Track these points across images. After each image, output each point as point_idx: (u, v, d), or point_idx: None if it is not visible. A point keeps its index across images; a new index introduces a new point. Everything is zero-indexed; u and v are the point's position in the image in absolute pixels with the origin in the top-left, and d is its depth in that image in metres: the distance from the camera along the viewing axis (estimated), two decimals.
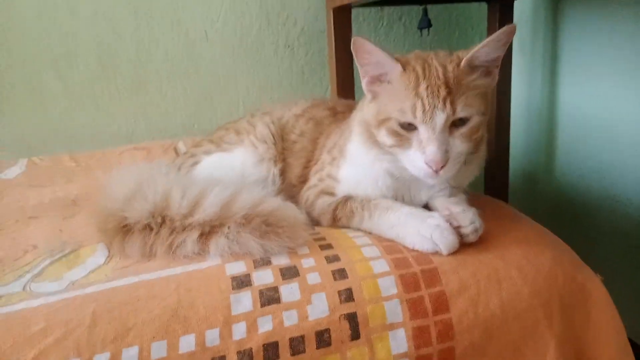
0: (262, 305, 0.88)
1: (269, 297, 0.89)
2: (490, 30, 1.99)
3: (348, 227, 1.11)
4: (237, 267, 0.94)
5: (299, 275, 0.93)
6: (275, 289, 0.90)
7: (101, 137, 1.99)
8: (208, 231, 0.98)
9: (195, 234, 0.98)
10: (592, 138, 1.88)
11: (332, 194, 1.16)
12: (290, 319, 0.87)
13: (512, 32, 0.99)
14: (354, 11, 2.16)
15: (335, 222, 1.12)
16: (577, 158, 1.98)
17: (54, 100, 1.94)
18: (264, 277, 0.92)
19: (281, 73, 2.15)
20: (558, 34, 2.01)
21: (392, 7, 2.23)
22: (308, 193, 1.20)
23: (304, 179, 1.26)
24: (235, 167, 1.24)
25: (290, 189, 1.27)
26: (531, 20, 2.15)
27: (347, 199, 1.11)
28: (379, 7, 2.21)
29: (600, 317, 0.99)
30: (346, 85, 1.90)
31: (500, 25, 1.99)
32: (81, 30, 1.93)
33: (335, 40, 1.90)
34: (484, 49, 0.99)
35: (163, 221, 1.01)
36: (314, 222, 1.16)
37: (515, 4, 2.04)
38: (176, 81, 2.05)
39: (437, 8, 2.27)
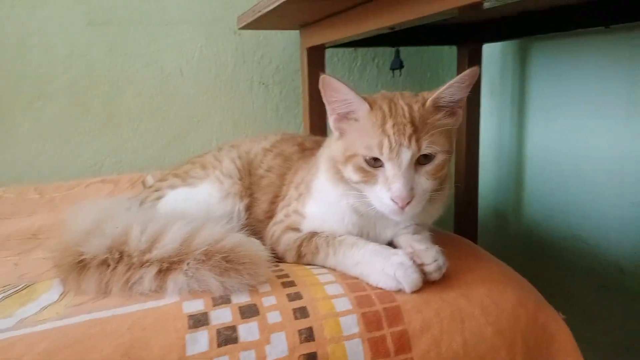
0: (219, 345, 0.84)
1: (227, 337, 0.85)
2: (460, 72, 2.01)
3: (313, 264, 1.08)
4: (195, 305, 0.90)
5: (259, 314, 0.89)
6: (233, 328, 0.86)
7: (69, 171, 1.95)
8: (166, 268, 0.94)
9: (152, 271, 0.94)
10: (559, 177, 1.89)
11: (297, 229, 1.14)
12: (247, 359, 0.83)
13: (475, 75, 0.99)
14: (328, 51, 2.17)
15: (300, 259, 1.09)
16: (545, 197, 1.98)
17: (25, 135, 1.90)
18: (222, 316, 0.88)
19: (255, 110, 2.14)
20: (526, 76, 2.04)
21: (366, 48, 2.25)
22: (274, 228, 1.17)
23: (270, 214, 1.23)
24: (200, 202, 1.21)
25: (257, 225, 1.24)
26: (500, 63, 2.18)
27: (313, 235, 1.09)
28: (353, 48, 2.23)
29: (562, 357, 0.97)
30: (319, 122, 1.90)
31: (470, 67, 2.04)
32: (56, 70, 1.91)
33: (309, 79, 1.91)
34: (448, 90, 0.99)
35: (121, 257, 0.97)
36: (280, 258, 1.13)
37: (484, 47, 2.07)
38: (149, 118, 2.03)
39: (409, 50, 2.30)
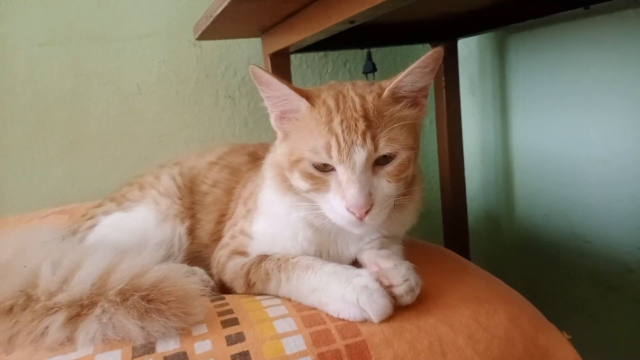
0: None
1: None
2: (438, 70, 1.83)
3: (265, 294, 0.87)
4: (110, 359, 0.69)
5: None
6: None
7: (34, 199, 1.75)
8: (76, 314, 0.74)
9: (60, 318, 0.73)
10: (552, 174, 1.71)
11: (244, 253, 0.93)
12: None
13: (439, 57, 0.81)
14: (297, 58, 1.99)
15: (250, 289, 0.89)
16: (539, 196, 1.80)
17: None
18: None
19: (223, 124, 1.94)
20: (506, 71, 1.87)
21: (336, 52, 2.06)
22: (220, 254, 0.97)
23: (218, 237, 1.03)
24: (134, 229, 1.00)
25: (203, 250, 1.04)
26: (478, 60, 2.00)
27: (262, 259, 0.88)
28: (323, 54, 2.04)
29: None
30: None
31: (446, 65, 1.85)
32: (18, 91, 1.71)
33: None
34: (408, 77, 0.81)
35: (27, 302, 0.76)
36: (228, 288, 0.92)
37: (461, 43, 1.89)
38: (112, 140, 1.83)
39: (382, 52, 2.11)
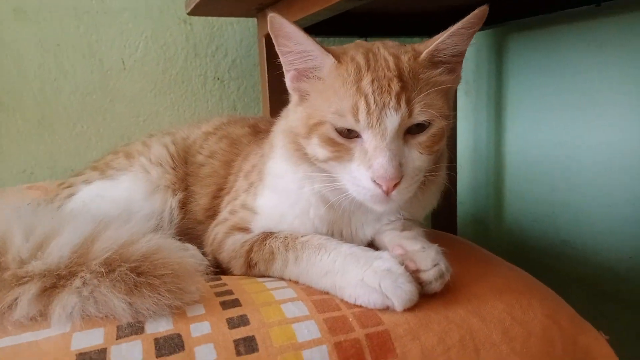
0: None
1: None
2: None
3: (268, 276, 0.77)
4: (90, 338, 0.58)
5: (183, 349, 0.57)
6: None
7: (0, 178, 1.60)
8: (52, 285, 0.62)
9: (32, 289, 0.61)
10: (543, 178, 1.66)
11: (246, 229, 0.83)
12: None
13: (484, 16, 0.72)
14: None
15: (250, 269, 0.78)
16: (528, 201, 1.75)
17: None
18: (127, 354, 0.57)
19: (210, 107, 1.82)
20: (502, 71, 1.81)
21: (333, 38, 1.97)
22: (216, 230, 0.86)
23: (213, 213, 0.92)
24: (120, 199, 0.88)
25: (196, 227, 0.93)
26: (474, 58, 1.93)
27: (267, 236, 0.78)
28: (320, 40, 1.94)
29: None
30: None
31: None
32: None
33: (268, 72, 1.61)
34: (451, 38, 0.72)
35: None
36: (224, 269, 0.81)
37: None
38: (87, 117, 1.69)
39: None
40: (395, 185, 0.67)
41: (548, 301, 0.72)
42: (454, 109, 1.78)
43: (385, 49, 0.73)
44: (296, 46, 0.72)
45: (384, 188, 0.67)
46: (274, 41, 0.73)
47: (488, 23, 1.66)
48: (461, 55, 0.75)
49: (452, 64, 0.74)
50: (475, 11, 0.70)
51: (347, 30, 1.75)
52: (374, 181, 0.67)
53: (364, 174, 0.68)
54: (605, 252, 1.46)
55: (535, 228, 1.72)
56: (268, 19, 0.70)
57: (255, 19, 1.69)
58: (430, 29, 1.74)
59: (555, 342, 0.66)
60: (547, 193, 1.64)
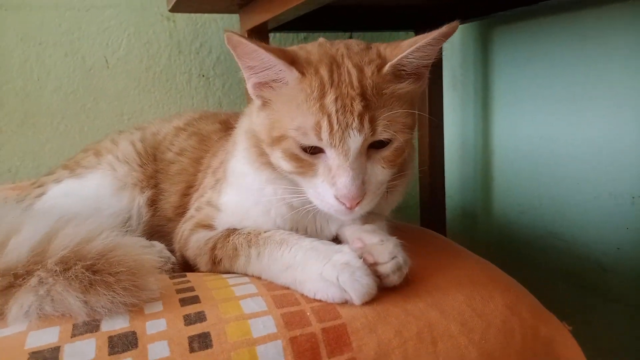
0: None
1: None
2: None
3: (232, 272, 0.76)
4: (45, 337, 0.58)
5: (136, 347, 0.57)
6: None
7: None
8: (8, 284, 0.62)
9: None
10: (530, 171, 1.65)
11: (210, 226, 0.82)
12: None
13: (453, 31, 0.70)
14: (276, 39, 1.88)
15: (215, 266, 0.78)
16: (516, 193, 1.74)
17: None
18: (80, 351, 0.56)
19: (195, 105, 1.81)
20: (489, 64, 1.80)
21: (319, 34, 1.95)
22: (183, 227, 0.86)
23: (182, 211, 0.91)
24: (88, 197, 0.88)
25: (166, 224, 0.93)
26: (460, 52, 1.92)
27: (230, 233, 0.77)
28: (304, 35, 1.93)
29: None
30: None
31: None
32: None
33: None
34: (417, 52, 0.70)
35: None
36: (192, 266, 0.81)
37: None
38: (71, 115, 1.69)
39: (364, 37, 2.02)
40: (359, 202, 0.68)
41: (510, 292, 0.71)
42: (441, 102, 1.78)
43: (349, 59, 0.71)
44: (257, 62, 0.70)
45: (347, 205, 0.68)
46: (234, 55, 0.72)
47: (474, 15, 1.67)
48: (428, 65, 0.73)
49: (417, 74, 0.73)
50: (444, 28, 0.68)
51: (332, 24, 1.74)
52: (337, 199, 0.68)
53: (327, 190, 0.68)
54: (591, 244, 1.45)
55: (522, 220, 1.71)
56: (225, 37, 0.69)
57: (238, 15, 1.68)
58: (417, 23, 1.74)
59: (515, 333, 0.66)
60: (534, 186, 1.63)
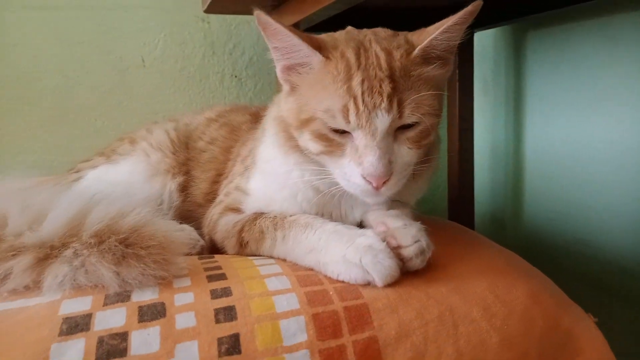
0: (97, 359, 0.54)
1: (111, 348, 0.56)
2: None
3: (259, 255, 0.78)
4: (78, 305, 0.61)
5: (165, 316, 0.59)
6: (123, 336, 0.57)
7: (15, 172, 1.65)
8: (45, 256, 0.65)
9: (27, 260, 0.65)
10: (560, 177, 1.63)
11: (238, 210, 0.85)
12: None
13: (477, 10, 0.71)
14: None
15: (242, 249, 0.80)
16: (545, 200, 1.72)
17: None
18: (111, 319, 0.59)
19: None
20: (521, 69, 1.78)
21: None
22: (212, 211, 0.88)
23: (212, 197, 0.94)
24: (121, 182, 0.92)
25: (196, 210, 0.95)
26: (492, 56, 1.92)
27: (257, 216, 0.80)
28: None
29: None
30: None
31: (461, 59, 1.77)
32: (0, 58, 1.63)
33: None
34: (444, 34, 0.71)
35: None
36: (220, 249, 0.84)
37: (476, 38, 1.80)
38: (106, 113, 1.74)
39: None
40: (385, 182, 0.69)
41: (533, 281, 0.71)
42: (471, 105, 1.78)
43: (377, 43, 0.73)
44: (283, 43, 0.72)
45: (374, 185, 0.69)
46: (263, 35, 0.74)
47: (506, 19, 1.66)
48: (454, 48, 0.74)
49: (444, 58, 0.74)
50: (469, 7, 0.70)
51: (363, 26, 1.75)
52: (364, 178, 0.69)
53: (354, 170, 0.70)
54: (620, 251, 1.43)
55: (552, 227, 1.69)
56: (255, 15, 0.71)
57: None
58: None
59: (536, 321, 0.66)
60: (565, 191, 1.61)
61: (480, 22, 1.69)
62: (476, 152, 1.85)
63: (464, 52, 1.74)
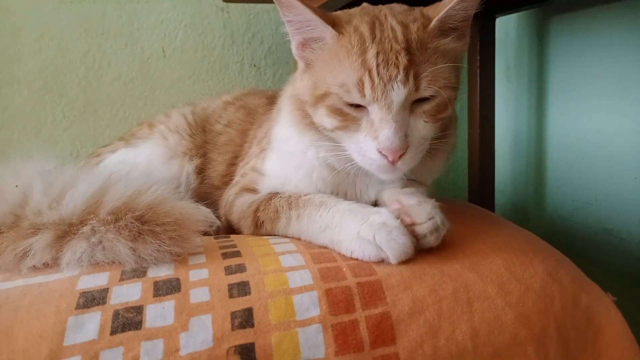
0: (113, 332, 0.55)
1: (126, 321, 0.56)
2: (470, 52, 1.70)
3: (274, 234, 0.79)
4: (95, 280, 0.62)
5: (179, 291, 0.60)
6: (138, 310, 0.58)
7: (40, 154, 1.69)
8: (64, 233, 0.66)
9: (46, 238, 0.66)
10: (585, 166, 1.59)
11: (254, 190, 0.85)
12: (151, 353, 0.54)
13: None
14: None
15: (257, 229, 0.81)
16: (569, 189, 1.68)
17: None
18: (126, 293, 0.60)
19: None
20: (545, 56, 1.75)
21: None
22: (229, 192, 0.89)
23: (229, 179, 0.95)
24: (139, 164, 0.93)
25: (212, 192, 0.96)
26: (515, 43, 1.89)
27: (272, 196, 0.80)
28: None
29: (614, 354, 0.65)
30: None
31: (482, 44, 1.75)
32: (26, 54, 1.66)
33: None
34: (462, 3, 0.70)
35: (15, 222, 0.69)
36: (236, 229, 0.84)
37: (498, 24, 1.77)
38: (129, 103, 1.76)
39: None
40: (401, 156, 0.68)
41: (551, 259, 0.70)
42: (492, 93, 1.75)
43: (392, 17, 0.72)
44: (297, 17, 0.73)
45: (390, 159, 0.68)
46: (278, 8, 0.74)
47: (529, 2, 1.63)
48: (470, 18, 0.73)
49: (461, 29, 0.73)
50: None
51: None
52: (380, 152, 0.68)
53: (370, 144, 0.69)
54: None
55: (576, 216, 1.66)
56: None
57: None
58: None
59: (555, 299, 0.65)
60: (589, 181, 1.58)
61: (503, 6, 1.67)
62: (497, 140, 1.83)
63: (485, 38, 1.71)
